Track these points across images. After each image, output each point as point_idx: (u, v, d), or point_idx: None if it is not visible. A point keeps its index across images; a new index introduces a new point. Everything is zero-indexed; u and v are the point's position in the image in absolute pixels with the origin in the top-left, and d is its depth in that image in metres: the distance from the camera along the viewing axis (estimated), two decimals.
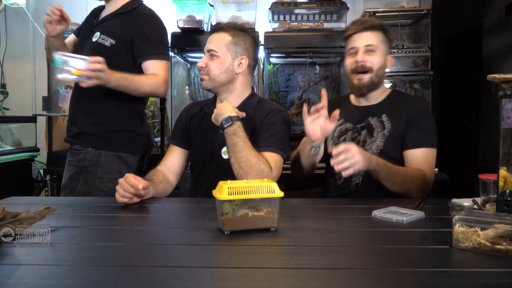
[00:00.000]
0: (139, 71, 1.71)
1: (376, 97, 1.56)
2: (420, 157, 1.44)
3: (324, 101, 1.37)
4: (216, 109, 1.39)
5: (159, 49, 1.71)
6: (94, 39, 1.69)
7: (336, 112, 1.34)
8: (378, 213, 1.11)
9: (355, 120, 1.56)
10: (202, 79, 1.51)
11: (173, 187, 1.54)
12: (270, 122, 1.47)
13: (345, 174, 1.26)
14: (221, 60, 1.48)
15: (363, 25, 1.50)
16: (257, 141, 1.44)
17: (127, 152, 1.71)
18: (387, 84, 2.97)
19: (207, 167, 1.52)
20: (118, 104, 1.68)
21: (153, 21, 1.74)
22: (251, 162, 1.33)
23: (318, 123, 1.37)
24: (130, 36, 1.68)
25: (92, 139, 1.68)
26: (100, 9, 1.83)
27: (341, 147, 1.26)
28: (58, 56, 1.41)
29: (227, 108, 1.37)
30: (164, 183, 1.47)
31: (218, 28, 1.53)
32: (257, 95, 1.61)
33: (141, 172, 1.93)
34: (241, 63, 1.50)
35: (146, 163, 1.92)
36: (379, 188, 1.41)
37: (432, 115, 1.55)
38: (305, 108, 1.40)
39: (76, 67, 1.41)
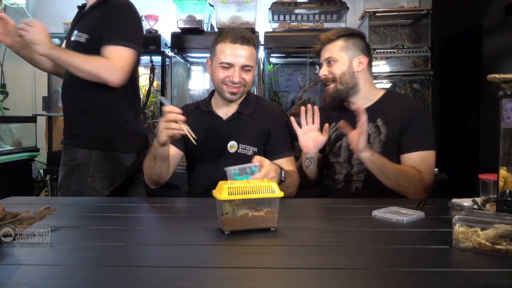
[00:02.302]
0: None
1: (367, 101, 1.54)
2: (416, 161, 1.42)
3: (315, 118, 1.45)
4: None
5: (120, 36, 1.59)
6: (72, 38, 1.65)
7: (327, 125, 1.40)
8: (378, 213, 1.11)
9: (350, 125, 1.54)
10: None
11: (167, 177, 1.52)
12: (283, 126, 1.57)
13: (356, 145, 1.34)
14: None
15: (320, 41, 1.56)
16: (276, 145, 1.53)
17: (119, 150, 1.67)
18: (387, 84, 2.97)
19: (211, 163, 1.53)
20: (108, 103, 1.64)
21: (123, 8, 1.65)
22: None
23: (310, 136, 1.41)
24: (102, 28, 1.61)
25: (84, 139, 1.65)
26: (83, 6, 1.78)
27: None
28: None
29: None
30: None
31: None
32: (251, 92, 1.64)
33: (138, 170, 1.87)
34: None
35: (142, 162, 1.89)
36: (379, 193, 1.42)
37: (429, 115, 1.53)
38: (294, 123, 1.42)
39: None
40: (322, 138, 1.41)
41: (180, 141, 1.57)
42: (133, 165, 1.76)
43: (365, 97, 1.54)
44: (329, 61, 1.53)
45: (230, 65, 1.47)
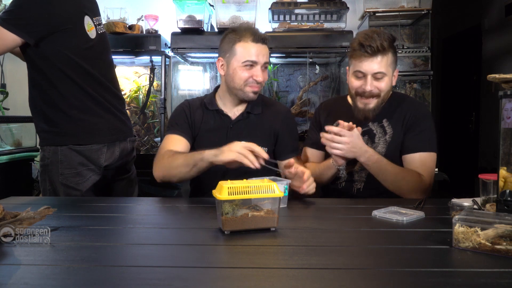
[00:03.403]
0: (35, 52, 1.54)
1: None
2: (417, 162, 1.42)
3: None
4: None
5: (5, 15, 1.48)
6: None
7: (352, 125, 1.38)
8: (378, 213, 1.11)
9: (355, 124, 1.54)
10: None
11: None
12: (290, 127, 1.61)
13: (332, 151, 1.36)
14: None
15: (372, 48, 1.38)
16: (285, 146, 1.57)
17: (81, 143, 1.59)
18: None
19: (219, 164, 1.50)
20: (57, 97, 1.57)
21: None
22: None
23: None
24: None
25: (43, 136, 1.62)
26: None
27: (336, 129, 1.33)
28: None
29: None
30: None
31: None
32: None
33: (126, 170, 1.80)
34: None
35: (132, 158, 1.80)
36: (380, 195, 1.42)
37: (432, 118, 1.51)
38: (325, 138, 1.40)
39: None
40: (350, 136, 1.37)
41: (188, 131, 1.54)
42: (108, 160, 1.66)
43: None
44: (378, 76, 1.42)
45: (254, 64, 1.47)
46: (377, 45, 1.38)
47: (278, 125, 1.57)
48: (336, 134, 1.34)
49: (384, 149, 1.47)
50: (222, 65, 1.53)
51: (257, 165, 1.20)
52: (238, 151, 1.20)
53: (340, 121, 1.37)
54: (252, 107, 1.55)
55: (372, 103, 1.45)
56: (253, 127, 1.54)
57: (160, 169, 1.42)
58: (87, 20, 1.64)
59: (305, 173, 1.26)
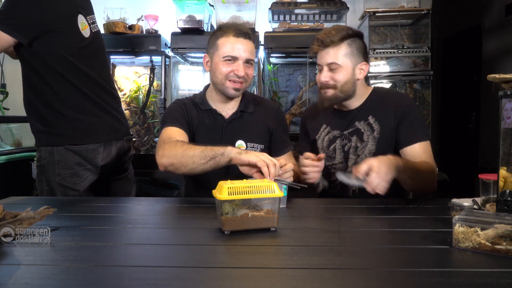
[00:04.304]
0: (29, 52, 1.53)
1: (358, 100, 1.54)
2: (420, 152, 1.43)
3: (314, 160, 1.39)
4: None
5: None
6: None
7: (322, 156, 1.37)
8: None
9: (341, 126, 1.55)
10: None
11: None
12: (283, 123, 1.63)
13: (381, 191, 1.16)
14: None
15: (322, 42, 1.45)
16: (280, 141, 1.58)
17: (78, 143, 1.58)
18: (387, 85, 2.97)
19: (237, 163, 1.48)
20: (52, 97, 1.56)
21: None
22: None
23: (313, 170, 1.39)
24: None
25: (39, 136, 1.61)
26: None
27: (365, 166, 1.17)
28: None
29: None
30: None
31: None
32: (247, 91, 1.63)
33: (123, 169, 1.79)
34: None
35: (129, 157, 1.79)
36: (377, 194, 1.41)
37: (418, 107, 1.53)
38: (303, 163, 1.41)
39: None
40: (321, 164, 1.39)
41: (187, 126, 1.51)
42: (105, 159, 1.64)
43: (358, 98, 1.54)
44: (332, 67, 1.46)
45: (234, 59, 1.46)
46: (327, 39, 1.45)
47: (271, 122, 1.58)
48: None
49: (374, 146, 1.48)
50: (208, 61, 1.54)
51: (271, 180, 1.15)
52: (263, 158, 1.19)
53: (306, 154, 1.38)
54: (245, 105, 1.56)
55: (329, 92, 1.49)
56: (247, 125, 1.54)
57: (169, 157, 1.33)
58: (81, 19, 1.62)
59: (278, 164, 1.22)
